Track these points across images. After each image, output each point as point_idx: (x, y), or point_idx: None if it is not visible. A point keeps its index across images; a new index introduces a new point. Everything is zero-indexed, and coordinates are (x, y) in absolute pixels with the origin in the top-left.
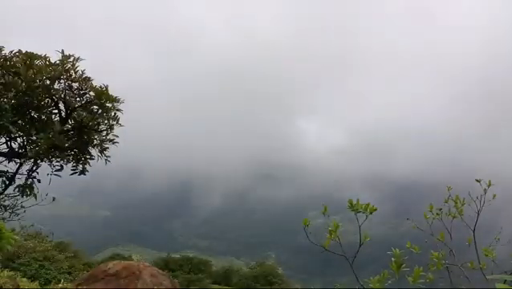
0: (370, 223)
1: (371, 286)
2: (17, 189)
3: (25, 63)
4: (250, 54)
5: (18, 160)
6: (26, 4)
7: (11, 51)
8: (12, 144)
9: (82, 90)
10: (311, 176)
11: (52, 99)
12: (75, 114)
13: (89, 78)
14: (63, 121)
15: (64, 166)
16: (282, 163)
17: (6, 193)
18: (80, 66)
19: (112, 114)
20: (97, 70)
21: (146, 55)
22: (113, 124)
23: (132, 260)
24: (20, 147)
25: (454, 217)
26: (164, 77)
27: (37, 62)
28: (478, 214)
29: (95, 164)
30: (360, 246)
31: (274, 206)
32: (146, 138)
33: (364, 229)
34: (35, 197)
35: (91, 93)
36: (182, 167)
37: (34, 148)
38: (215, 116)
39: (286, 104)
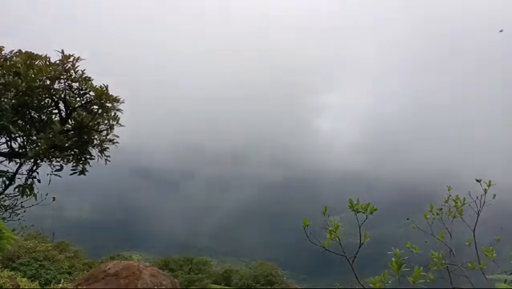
0: (372, 222)
1: (371, 286)
2: (17, 189)
3: (25, 63)
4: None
5: (18, 160)
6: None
7: (11, 51)
8: (12, 144)
9: (82, 90)
10: (314, 175)
11: (52, 99)
12: (75, 114)
13: (89, 78)
14: (63, 121)
15: (64, 166)
16: (281, 162)
17: (6, 193)
18: (80, 66)
19: (112, 114)
20: None
21: None
22: (113, 124)
23: (132, 260)
24: (20, 147)
25: (454, 217)
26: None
27: (37, 62)
28: (478, 214)
29: (95, 164)
30: (360, 246)
31: (275, 206)
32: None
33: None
34: (35, 197)
35: (92, 93)
36: (182, 166)
37: (34, 148)
38: (217, 116)
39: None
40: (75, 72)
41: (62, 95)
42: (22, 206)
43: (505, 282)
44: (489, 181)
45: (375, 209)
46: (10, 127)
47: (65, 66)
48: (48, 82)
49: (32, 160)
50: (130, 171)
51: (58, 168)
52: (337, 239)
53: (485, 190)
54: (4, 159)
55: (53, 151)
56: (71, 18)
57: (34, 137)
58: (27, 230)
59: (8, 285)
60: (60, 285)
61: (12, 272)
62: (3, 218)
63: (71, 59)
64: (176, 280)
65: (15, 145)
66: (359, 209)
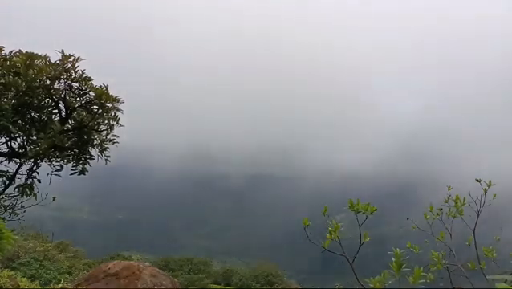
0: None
1: (371, 286)
2: (17, 189)
3: (25, 63)
4: None
5: (18, 160)
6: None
7: (11, 51)
8: (12, 144)
9: (82, 90)
10: (312, 174)
11: (52, 99)
12: (75, 114)
13: (89, 78)
14: (63, 121)
15: (64, 166)
16: (283, 162)
17: (6, 193)
18: (80, 66)
19: (112, 114)
20: None
21: None
22: (113, 124)
23: (132, 260)
24: (20, 147)
25: (454, 217)
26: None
27: (37, 62)
28: (478, 214)
29: (95, 163)
30: (360, 246)
31: (275, 206)
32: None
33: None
34: (35, 197)
35: (91, 93)
36: (184, 165)
37: (34, 148)
38: (219, 118)
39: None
40: (75, 72)
41: (62, 95)
42: (22, 206)
43: (505, 282)
44: (489, 181)
45: (375, 209)
46: (10, 127)
47: (65, 66)
48: (48, 82)
49: (32, 160)
50: (132, 170)
51: (59, 168)
52: (337, 239)
53: (485, 190)
54: (4, 159)
55: (53, 151)
56: (71, 18)
57: (34, 137)
58: (27, 230)
59: (8, 285)
60: (60, 285)
61: (12, 272)
62: (3, 218)
63: (71, 59)
64: (176, 280)
65: (15, 145)
66: (359, 210)
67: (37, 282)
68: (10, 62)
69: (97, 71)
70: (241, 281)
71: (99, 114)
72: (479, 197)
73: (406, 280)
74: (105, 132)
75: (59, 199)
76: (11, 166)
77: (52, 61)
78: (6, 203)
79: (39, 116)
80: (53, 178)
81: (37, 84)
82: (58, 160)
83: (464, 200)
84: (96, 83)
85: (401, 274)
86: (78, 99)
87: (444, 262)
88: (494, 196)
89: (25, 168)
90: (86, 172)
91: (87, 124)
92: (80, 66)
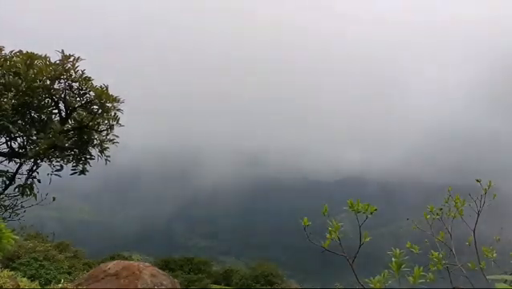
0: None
1: (371, 286)
2: (17, 189)
3: (25, 63)
4: None
5: (18, 160)
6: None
7: (11, 51)
8: (12, 144)
9: (82, 90)
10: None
11: (52, 99)
12: (75, 114)
13: (89, 78)
14: (63, 121)
15: (64, 166)
16: (282, 163)
17: (6, 193)
18: (80, 66)
19: (112, 114)
20: None
21: None
22: (113, 124)
23: (132, 260)
24: (20, 147)
25: (454, 217)
26: None
27: (37, 62)
28: (478, 215)
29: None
30: (360, 246)
31: (275, 206)
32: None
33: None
34: (35, 197)
35: (92, 93)
36: (184, 166)
37: (34, 148)
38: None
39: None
40: (75, 72)
41: (62, 95)
42: (22, 206)
43: (505, 282)
44: (490, 182)
45: (375, 210)
46: (10, 127)
47: (65, 66)
48: (48, 82)
49: (32, 160)
50: (132, 171)
51: (59, 168)
52: (337, 239)
53: (485, 190)
54: (4, 159)
55: (53, 151)
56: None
57: (34, 137)
58: (27, 230)
59: (8, 285)
60: (60, 285)
61: (12, 272)
62: (3, 218)
63: (71, 59)
64: (176, 280)
65: (15, 145)
66: (359, 210)
67: (37, 282)
68: (10, 62)
69: (96, 71)
70: (241, 281)
71: (99, 114)
72: (479, 198)
73: (406, 280)
74: (105, 132)
75: (59, 199)
76: (11, 166)
77: (52, 61)
78: (6, 203)
79: (39, 116)
80: (53, 178)
81: (37, 84)
82: (58, 160)
83: (463, 200)
84: (96, 82)
85: (401, 274)
86: (78, 99)
87: (444, 262)
88: (494, 196)
89: (25, 168)
90: (86, 173)
91: (87, 124)
92: (80, 66)
